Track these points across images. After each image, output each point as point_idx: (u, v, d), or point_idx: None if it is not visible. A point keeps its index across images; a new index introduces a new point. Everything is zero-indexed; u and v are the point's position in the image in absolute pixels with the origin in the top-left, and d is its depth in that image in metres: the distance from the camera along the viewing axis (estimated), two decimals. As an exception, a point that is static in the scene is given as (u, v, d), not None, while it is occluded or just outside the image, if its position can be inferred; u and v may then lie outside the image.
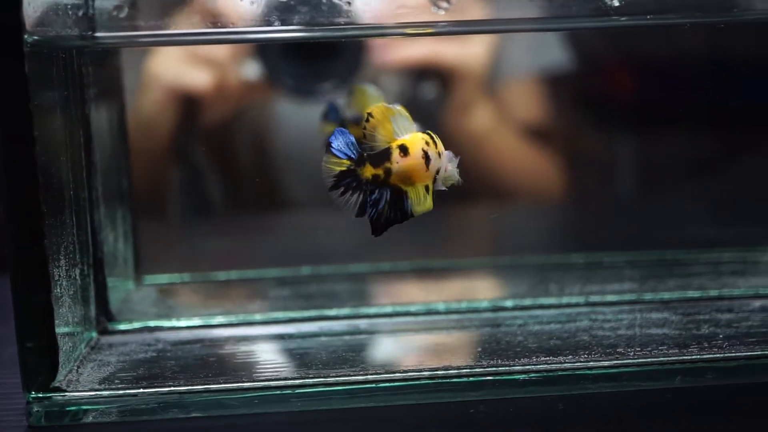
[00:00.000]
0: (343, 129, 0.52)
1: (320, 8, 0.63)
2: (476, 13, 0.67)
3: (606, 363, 0.60)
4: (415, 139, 0.53)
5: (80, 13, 0.63)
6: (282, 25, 0.63)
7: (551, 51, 0.92)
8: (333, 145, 0.52)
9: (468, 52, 0.89)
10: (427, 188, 0.53)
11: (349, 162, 0.52)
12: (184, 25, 0.64)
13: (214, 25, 0.63)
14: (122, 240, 0.76)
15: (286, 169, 0.93)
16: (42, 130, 0.55)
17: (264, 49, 0.85)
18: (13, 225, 0.54)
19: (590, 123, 0.94)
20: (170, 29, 0.65)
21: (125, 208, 0.76)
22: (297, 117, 0.91)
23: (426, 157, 0.53)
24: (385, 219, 0.53)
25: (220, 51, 0.86)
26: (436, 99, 0.91)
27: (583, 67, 0.94)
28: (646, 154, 0.93)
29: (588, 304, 0.72)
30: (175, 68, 0.86)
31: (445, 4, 0.65)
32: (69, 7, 0.62)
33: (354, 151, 0.52)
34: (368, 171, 0.52)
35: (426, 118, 0.89)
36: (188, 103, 0.87)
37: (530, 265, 0.84)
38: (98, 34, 0.64)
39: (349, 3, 0.62)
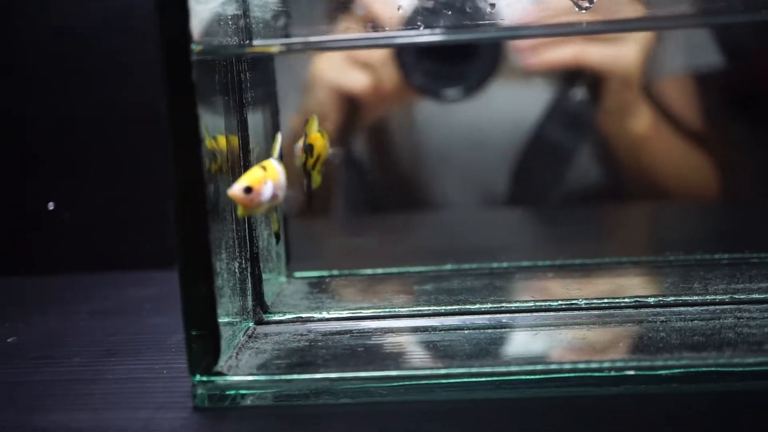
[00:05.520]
0: None
1: (464, 11, 0.65)
2: (625, 11, 0.67)
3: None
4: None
5: (239, 23, 0.68)
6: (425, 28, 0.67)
7: (705, 50, 0.90)
8: None
9: (619, 53, 0.87)
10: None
11: None
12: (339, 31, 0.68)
13: (368, 29, 0.67)
14: (275, 237, 0.80)
15: (432, 169, 0.96)
16: (207, 133, 0.59)
17: (400, 48, 0.88)
18: (180, 221, 0.58)
19: (744, 122, 0.91)
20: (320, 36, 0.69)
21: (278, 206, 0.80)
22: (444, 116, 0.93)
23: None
24: None
25: (376, 54, 0.90)
26: (585, 101, 0.91)
27: (737, 65, 0.91)
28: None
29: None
30: (336, 70, 0.91)
31: (586, 4, 0.66)
32: (229, 18, 0.66)
33: None
34: None
35: (577, 120, 0.90)
36: (350, 103, 0.91)
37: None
38: (256, 42, 0.69)
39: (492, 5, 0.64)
